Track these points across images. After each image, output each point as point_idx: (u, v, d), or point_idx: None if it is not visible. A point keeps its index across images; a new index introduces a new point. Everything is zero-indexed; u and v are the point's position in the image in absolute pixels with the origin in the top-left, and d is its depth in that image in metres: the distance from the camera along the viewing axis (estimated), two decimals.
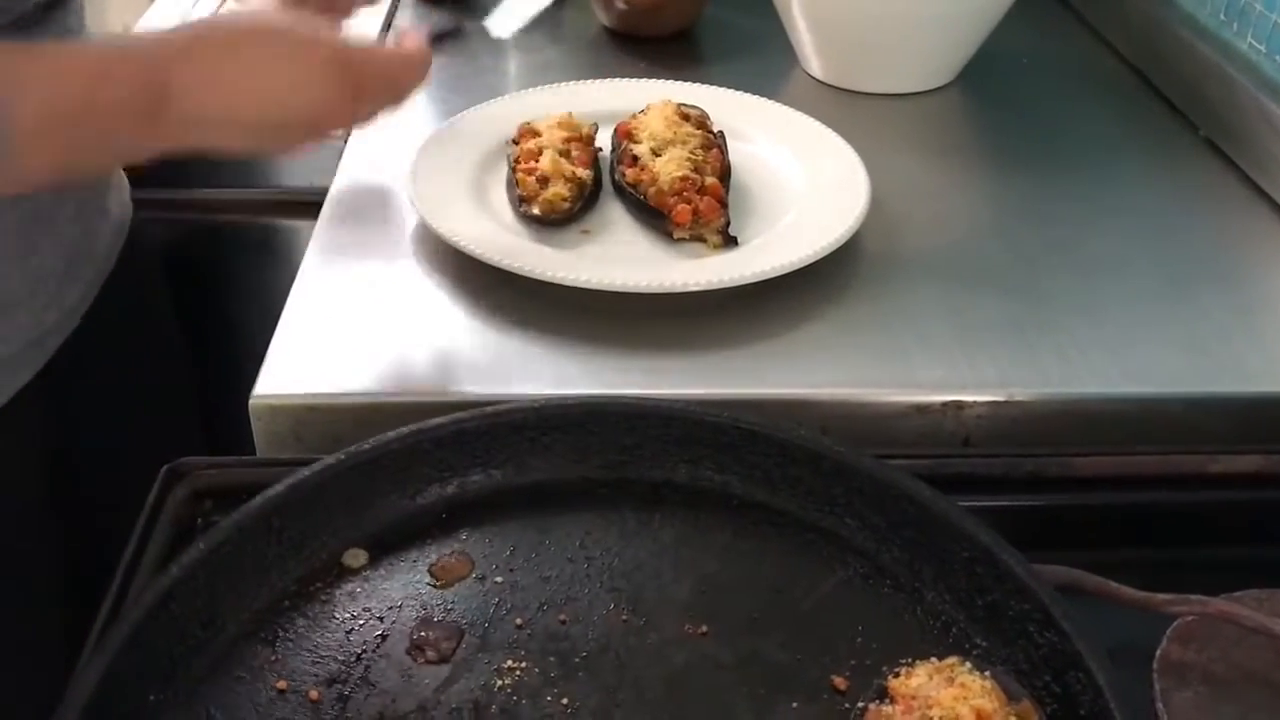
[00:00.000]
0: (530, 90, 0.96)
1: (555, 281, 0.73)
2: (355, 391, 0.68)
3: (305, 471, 0.57)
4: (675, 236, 0.79)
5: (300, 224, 0.95)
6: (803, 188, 0.85)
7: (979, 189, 0.93)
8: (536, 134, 0.85)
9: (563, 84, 0.97)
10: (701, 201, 0.79)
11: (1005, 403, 0.69)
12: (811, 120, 0.92)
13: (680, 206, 0.79)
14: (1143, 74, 1.08)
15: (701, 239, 0.79)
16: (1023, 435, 0.70)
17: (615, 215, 0.83)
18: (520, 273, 0.74)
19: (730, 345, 0.73)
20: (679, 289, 0.73)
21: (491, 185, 0.85)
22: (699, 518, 0.58)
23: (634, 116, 0.88)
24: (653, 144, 0.83)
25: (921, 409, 0.69)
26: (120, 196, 0.85)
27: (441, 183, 0.83)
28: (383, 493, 0.58)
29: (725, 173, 0.83)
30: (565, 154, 0.83)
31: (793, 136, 0.91)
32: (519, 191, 0.81)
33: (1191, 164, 0.95)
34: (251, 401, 0.67)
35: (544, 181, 0.80)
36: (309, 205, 0.89)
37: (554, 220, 0.79)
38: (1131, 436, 0.69)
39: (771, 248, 0.78)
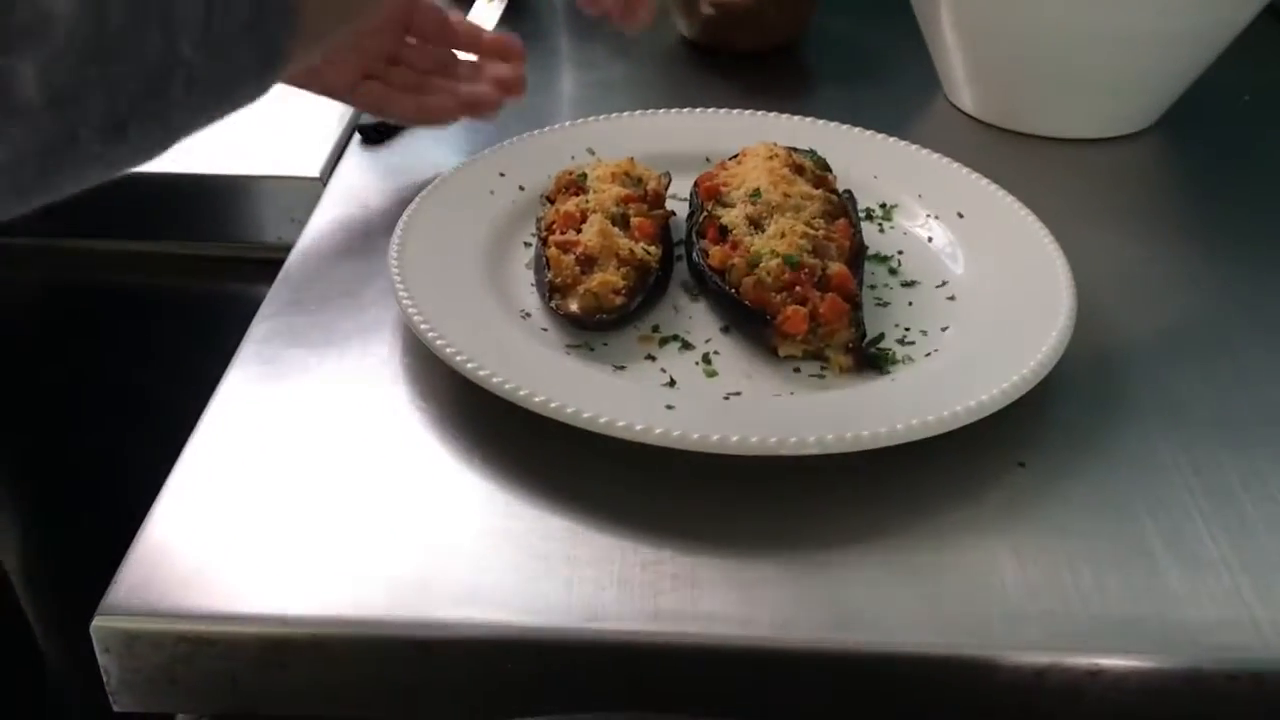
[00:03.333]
0: (579, 122, 0.72)
1: (594, 431, 0.48)
2: (269, 615, 0.42)
3: None
4: (781, 353, 0.54)
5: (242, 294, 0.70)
6: (969, 281, 0.60)
7: (1203, 273, 0.65)
8: (582, 189, 0.61)
9: (625, 114, 0.73)
10: (822, 301, 0.53)
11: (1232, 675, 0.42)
12: (981, 179, 0.66)
13: (791, 308, 0.53)
14: None
15: (821, 356, 0.54)
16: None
17: (694, 312, 0.58)
18: (542, 412, 0.49)
19: (866, 537, 0.46)
20: (791, 451, 0.47)
21: (513, 262, 0.60)
22: None
23: (724, 165, 0.64)
24: (750, 209, 0.58)
25: (1195, 678, 0.42)
26: None
27: (440, 259, 0.59)
28: None
29: (856, 256, 0.58)
30: (621, 220, 0.59)
31: (952, 201, 0.65)
32: (549, 276, 0.56)
33: None
34: (95, 622, 0.42)
35: (587, 263, 0.56)
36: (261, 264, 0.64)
37: (601, 322, 0.55)
38: None
39: (929, 378, 0.53)
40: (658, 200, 0.62)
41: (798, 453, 0.47)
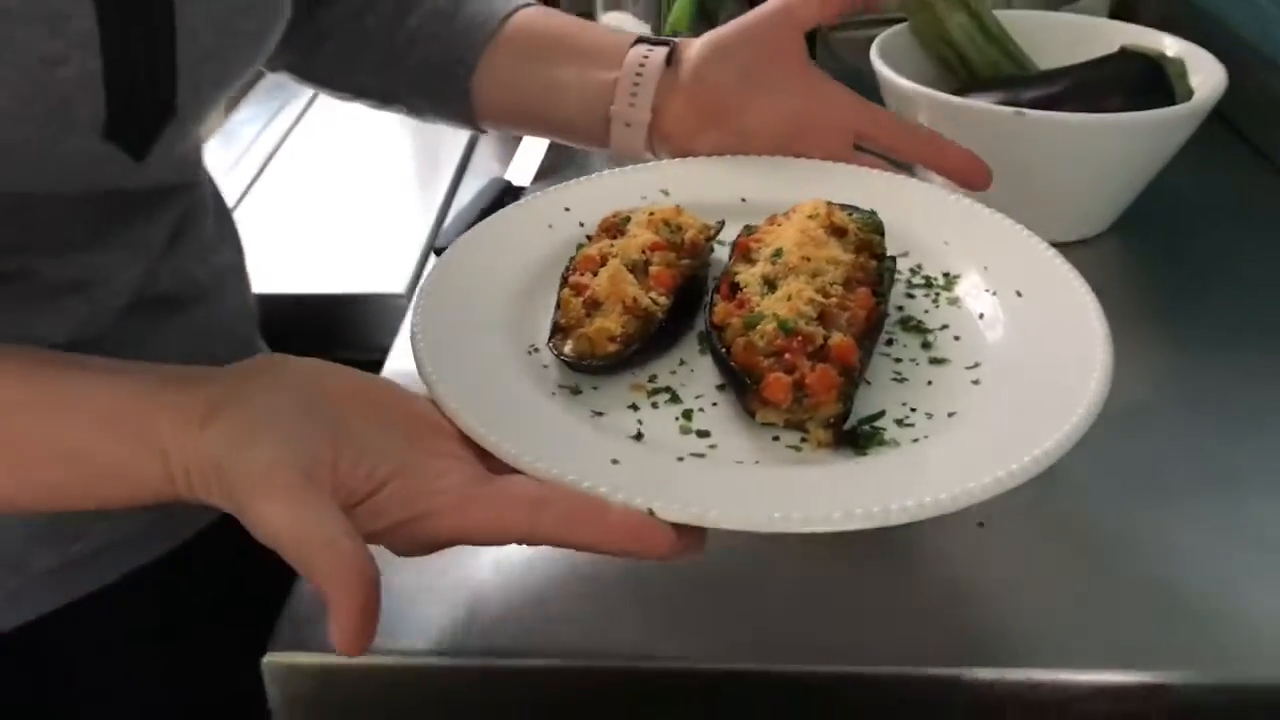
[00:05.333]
0: (657, 164, 0.70)
1: (518, 469, 0.48)
2: (374, 652, 0.55)
3: None
4: (759, 419, 0.52)
5: None
6: (1000, 367, 0.55)
7: (1152, 367, 0.77)
8: (621, 233, 0.61)
9: (706, 158, 0.70)
10: (812, 371, 0.51)
11: (1215, 687, 0.54)
12: (1053, 255, 0.61)
13: (773, 376, 0.51)
14: None
15: (803, 427, 0.52)
16: None
17: (698, 367, 0.56)
18: (482, 443, 0.49)
19: (843, 589, 0.58)
20: (724, 525, 0.46)
21: (548, 295, 0.60)
22: None
23: (773, 220, 0.62)
24: (768, 268, 0.57)
25: (1107, 693, 0.54)
26: None
27: (472, 283, 0.60)
28: None
29: (873, 328, 0.55)
30: (642, 267, 0.58)
31: (1016, 277, 0.60)
32: (558, 316, 0.57)
33: None
34: (266, 660, 0.55)
35: (594, 306, 0.56)
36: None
37: (591, 367, 0.55)
38: None
39: (900, 466, 0.50)
40: (693, 250, 0.61)
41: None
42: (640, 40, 0.71)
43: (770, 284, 0.56)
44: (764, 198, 0.65)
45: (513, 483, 0.47)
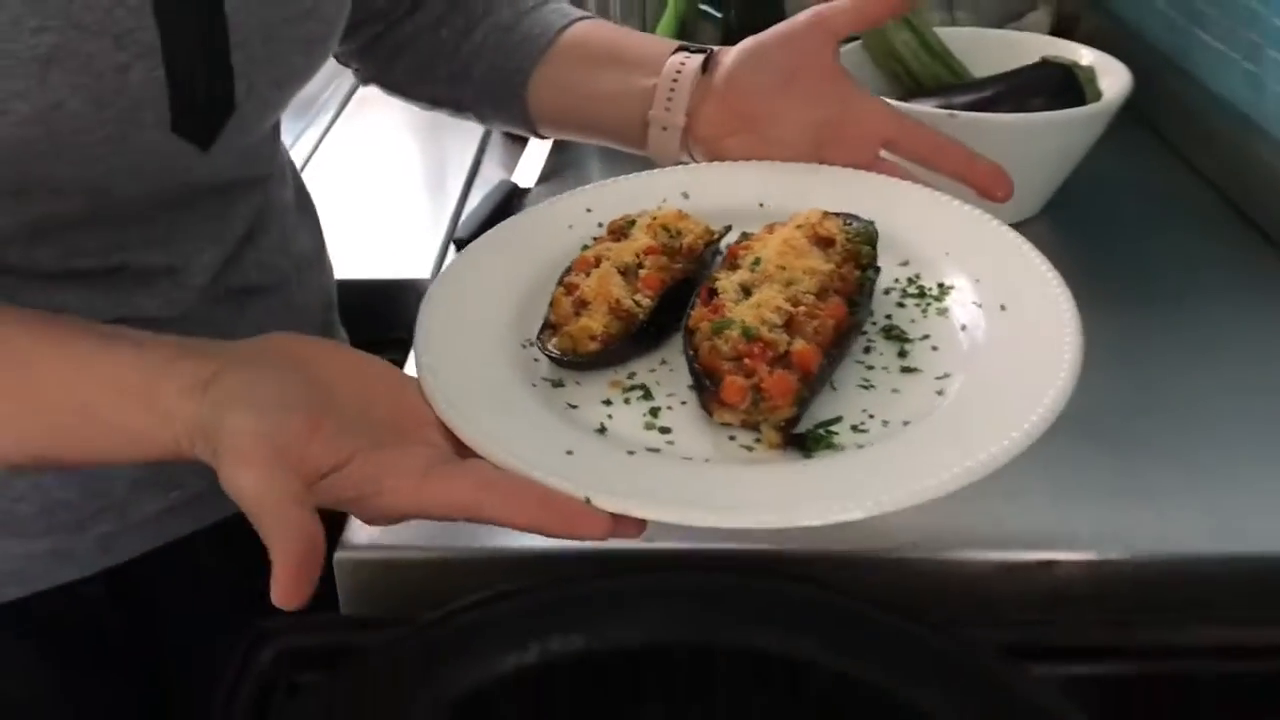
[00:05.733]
0: (684, 167, 0.73)
1: (476, 451, 0.53)
2: (432, 547, 0.69)
3: (385, 640, 0.57)
4: (716, 418, 0.54)
5: None
6: (969, 382, 0.56)
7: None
8: (625, 236, 0.65)
9: (731, 163, 0.72)
10: (770, 375, 0.53)
11: (1098, 562, 0.67)
12: (1046, 269, 0.61)
13: (730, 379, 0.54)
14: (1235, 204, 1.05)
15: (758, 428, 0.54)
16: (1118, 596, 0.67)
17: (678, 367, 0.59)
18: (448, 424, 0.54)
19: None
20: (649, 517, 0.50)
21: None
22: (774, 686, 0.57)
23: (771, 228, 0.63)
24: (746, 275, 0.59)
25: (1009, 569, 0.67)
26: None
27: (484, 275, 0.65)
28: (459, 661, 0.57)
29: (841, 336, 0.57)
30: (635, 269, 0.62)
31: (1004, 290, 0.60)
32: (549, 313, 0.61)
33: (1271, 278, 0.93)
34: (336, 556, 0.68)
35: (581, 305, 0.60)
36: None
37: (573, 363, 0.59)
38: (1235, 600, 0.66)
39: (839, 470, 0.52)
40: (690, 255, 0.63)
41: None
42: (681, 48, 0.74)
43: (746, 291, 0.58)
44: (781, 204, 0.67)
45: (469, 466, 0.52)
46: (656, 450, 0.54)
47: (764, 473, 0.52)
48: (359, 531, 0.69)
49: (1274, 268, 0.96)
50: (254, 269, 0.76)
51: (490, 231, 0.69)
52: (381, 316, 1.00)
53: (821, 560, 0.66)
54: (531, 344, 0.60)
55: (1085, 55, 1.02)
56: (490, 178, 1.17)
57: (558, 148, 1.18)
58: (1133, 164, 1.15)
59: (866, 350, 0.60)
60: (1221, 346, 0.87)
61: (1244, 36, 1.07)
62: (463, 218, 1.08)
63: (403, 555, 0.69)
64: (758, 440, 0.54)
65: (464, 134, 1.27)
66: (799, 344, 0.55)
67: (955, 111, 0.94)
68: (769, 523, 0.49)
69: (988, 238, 0.64)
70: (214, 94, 0.63)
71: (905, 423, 0.54)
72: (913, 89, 1.07)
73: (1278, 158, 1.00)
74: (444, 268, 0.66)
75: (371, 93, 1.38)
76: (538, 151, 1.17)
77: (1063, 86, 0.99)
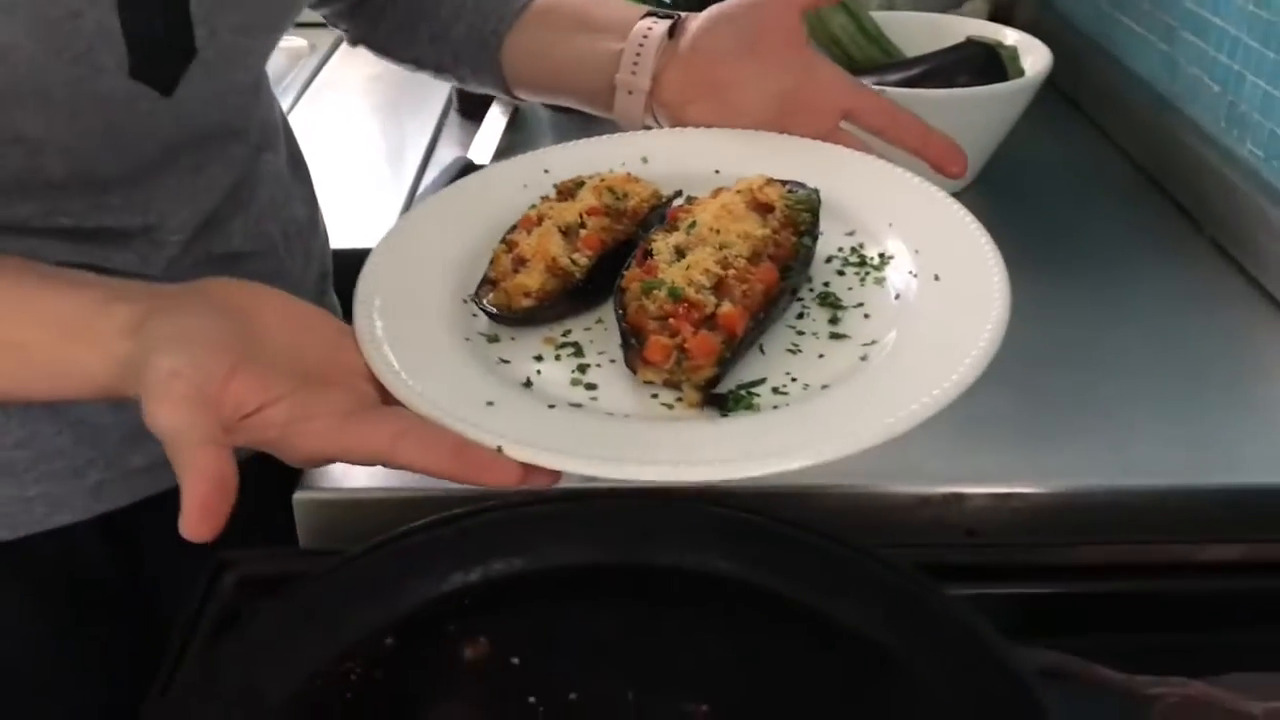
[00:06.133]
0: (651, 132, 0.74)
1: (406, 404, 0.53)
2: (389, 487, 0.73)
3: (338, 561, 0.61)
4: (640, 376, 0.55)
5: None
6: (892, 348, 0.57)
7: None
8: (574, 195, 0.65)
9: (696, 129, 0.72)
10: (694, 336, 0.54)
11: (1006, 494, 0.73)
12: (985, 243, 0.61)
13: (654, 338, 0.55)
14: (1152, 177, 1.12)
15: (680, 388, 0.55)
16: (1024, 526, 0.73)
17: (613, 327, 0.58)
18: (375, 371, 0.55)
19: None
20: (557, 467, 0.51)
21: None
22: (706, 604, 0.62)
23: (717, 193, 0.64)
24: (683, 238, 0.60)
25: (925, 500, 0.73)
26: None
27: (433, 229, 0.66)
28: (410, 580, 0.62)
29: (770, 300, 0.58)
30: (576, 229, 0.62)
31: (941, 261, 0.61)
32: (489, 269, 0.61)
33: (1197, 264, 0.99)
34: (295, 496, 0.72)
35: (520, 263, 0.61)
36: None
37: (506, 319, 0.59)
38: (1130, 528, 0.72)
39: (751, 429, 0.53)
40: (635, 217, 0.64)
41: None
42: (649, 13, 0.75)
43: (681, 253, 0.58)
44: (736, 170, 0.66)
45: (389, 413, 0.52)
46: (579, 405, 0.55)
47: (678, 430, 0.53)
48: (317, 473, 0.74)
49: (1187, 236, 1.02)
50: (240, 235, 0.76)
51: (446, 189, 0.71)
52: (335, 285, 1.04)
53: (745, 493, 0.71)
54: (471, 299, 0.61)
55: (1009, 36, 1.08)
56: (446, 157, 1.20)
57: (512, 126, 1.22)
58: (1058, 140, 1.21)
59: (800, 316, 0.60)
60: (1132, 307, 0.92)
61: (1160, 19, 1.13)
62: (419, 193, 1.12)
63: (359, 495, 0.73)
64: (679, 399, 0.55)
65: (421, 115, 1.30)
66: (725, 306, 0.55)
67: (885, 88, 1.00)
68: (668, 476, 0.49)
69: (932, 210, 0.64)
70: (172, 39, 0.62)
71: (825, 386, 0.55)
72: (850, 70, 1.12)
73: (1191, 134, 1.06)
74: (396, 222, 0.68)
75: (333, 76, 1.41)
76: (492, 129, 1.21)
77: (987, 65, 1.04)
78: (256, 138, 0.77)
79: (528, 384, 0.56)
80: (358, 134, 1.33)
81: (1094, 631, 0.65)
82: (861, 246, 0.64)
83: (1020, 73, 1.04)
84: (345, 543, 0.72)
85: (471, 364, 0.57)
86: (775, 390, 0.55)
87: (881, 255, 0.63)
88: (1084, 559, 0.66)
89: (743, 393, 0.55)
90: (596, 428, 0.53)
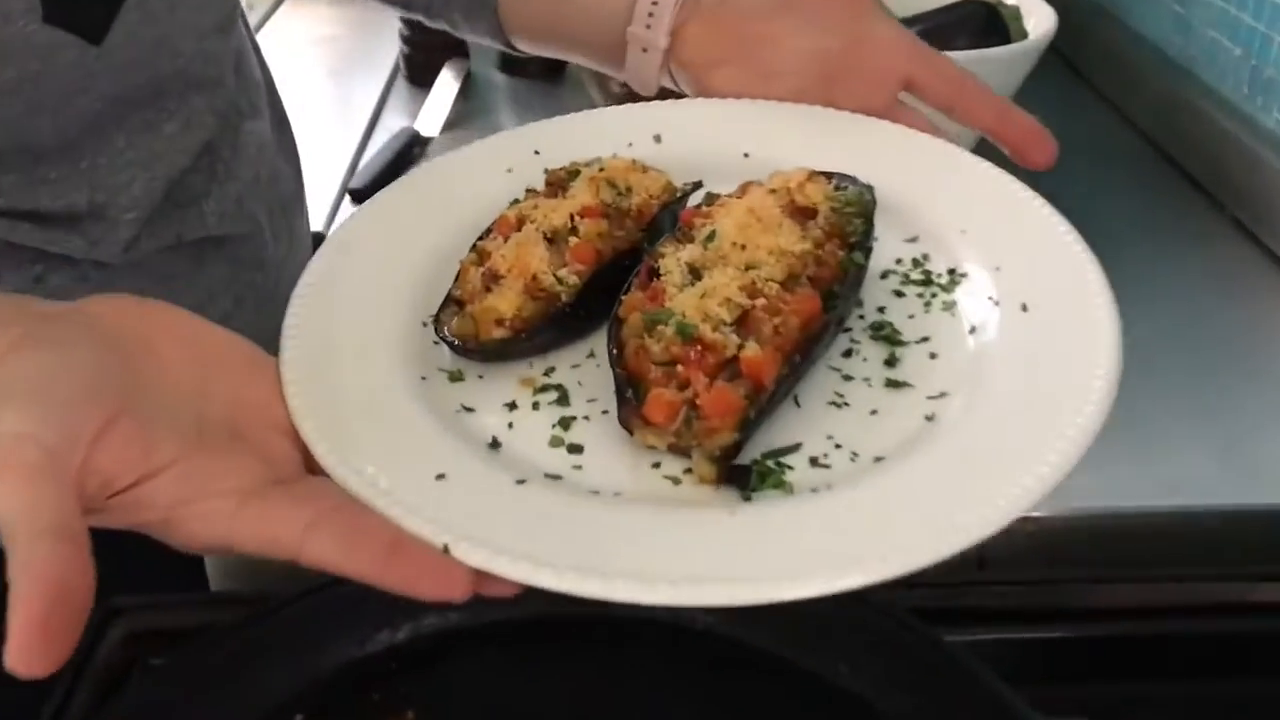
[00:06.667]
0: (659, 103, 0.61)
1: (331, 476, 0.41)
2: None
3: (247, 615, 0.52)
4: (637, 438, 0.43)
5: None
6: (969, 403, 0.44)
7: None
8: (565, 189, 0.53)
9: (723, 100, 0.59)
10: (708, 389, 0.42)
11: (1023, 519, 0.64)
12: (1086, 259, 0.49)
13: (656, 391, 0.42)
14: (1164, 151, 1.03)
15: (689, 454, 0.43)
16: (1044, 553, 0.64)
17: (605, 362, 0.46)
18: (301, 434, 0.43)
19: None
20: (524, 581, 0.38)
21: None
22: (675, 663, 0.53)
23: (744, 189, 0.52)
24: (698, 254, 0.47)
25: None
26: None
27: (398, 221, 0.54)
28: (331, 639, 0.52)
29: (810, 338, 0.45)
30: (564, 235, 0.50)
31: (1029, 284, 0.48)
32: (454, 286, 0.49)
33: (1219, 245, 0.91)
34: None
35: (493, 279, 0.48)
36: None
37: (472, 351, 0.47)
38: (1162, 554, 0.63)
39: (780, 520, 0.40)
40: (641, 219, 0.51)
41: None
42: None
43: (695, 273, 0.46)
44: (769, 155, 0.55)
45: (306, 492, 0.41)
46: (557, 478, 0.42)
47: (684, 522, 0.40)
48: None
49: (1206, 216, 0.94)
50: (215, 215, 0.66)
51: (408, 175, 0.58)
52: None
53: None
54: (432, 323, 0.49)
55: None
56: (392, 125, 1.11)
57: (464, 94, 1.12)
58: (1062, 110, 1.10)
59: (848, 353, 0.47)
60: (1149, 297, 0.82)
61: None
62: (360, 166, 1.02)
63: None
64: (687, 470, 0.43)
65: (367, 81, 1.20)
66: (751, 349, 0.43)
67: None
68: (667, 599, 0.37)
69: (1018, 216, 0.51)
70: None
71: (878, 458, 0.42)
72: None
73: (1209, 102, 0.97)
74: (343, 220, 0.55)
75: (274, 36, 1.30)
76: (442, 98, 1.11)
77: (986, 26, 0.95)
78: (231, 94, 0.67)
79: (494, 445, 0.44)
80: (296, 99, 1.21)
81: (1127, 679, 0.56)
82: (926, 259, 0.52)
83: (1023, 34, 0.96)
84: (264, 583, 0.63)
85: (424, 417, 0.44)
86: (814, 461, 0.43)
87: (952, 273, 0.50)
88: (1113, 600, 0.57)
89: (771, 465, 0.42)
90: (578, 515, 0.41)
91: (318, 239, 0.87)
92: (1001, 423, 0.42)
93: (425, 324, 0.49)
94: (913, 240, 0.53)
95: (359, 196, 0.96)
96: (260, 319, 0.67)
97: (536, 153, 0.57)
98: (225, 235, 0.66)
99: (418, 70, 1.17)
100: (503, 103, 1.15)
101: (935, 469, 0.41)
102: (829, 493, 0.41)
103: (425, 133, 1.07)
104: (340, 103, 1.20)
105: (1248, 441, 0.69)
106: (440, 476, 0.41)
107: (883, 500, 0.40)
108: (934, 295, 0.50)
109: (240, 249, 0.68)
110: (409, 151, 1.04)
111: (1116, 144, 1.07)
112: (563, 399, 0.46)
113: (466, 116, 1.10)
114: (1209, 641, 0.57)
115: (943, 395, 0.44)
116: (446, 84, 1.12)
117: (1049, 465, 0.40)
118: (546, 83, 1.17)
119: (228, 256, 0.67)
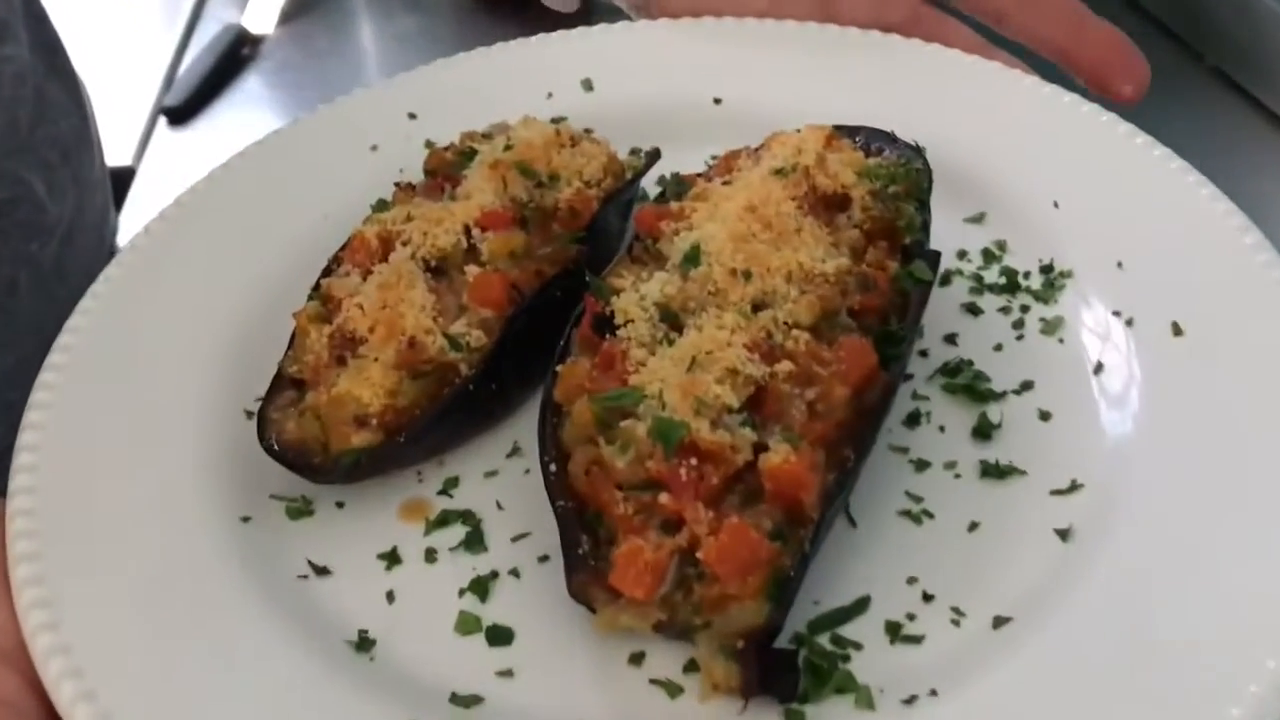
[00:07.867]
0: (576, 33, 0.43)
1: None
2: None
3: None
4: (599, 622, 0.28)
5: None
6: (1122, 500, 0.30)
7: None
8: (454, 181, 0.37)
9: (648, 22, 0.43)
10: (714, 530, 0.28)
11: None
12: (1253, 244, 0.35)
13: (632, 545, 0.28)
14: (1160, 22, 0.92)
15: (686, 638, 0.28)
16: None
17: (536, 465, 0.32)
18: (44, 681, 0.30)
19: None
20: None
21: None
22: None
23: (729, 165, 0.36)
24: (673, 289, 0.32)
25: None
26: None
27: (193, 245, 0.38)
28: None
29: (861, 419, 0.31)
30: (456, 263, 0.34)
31: (1182, 294, 0.34)
32: (287, 366, 0.33)
33: (1199, 98, 0.82)
34: None
35: (348, 345, 0.33)
36: None
37: (319, 471, 0.32)
38: None
39: None
40: (573, 220, 0.36)
41: None
42: None
43: (673, 319, 0.30)
44: (754, 100, 0.39)
45: None
46: (474, 701, 0.25)
47: None
48: None
49: (1183, 67, 0.84)
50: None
51: (223, 165, 0.41)
52: None
53: None
54: (251, 415, 0.33)
55: None
56: (216, 19, 0.92)
57: None
58: None
59: (914, 419, 0.32)
60: None
61: None
62: (177, 75, 0.83)
63: None
64: (689, 669, 0.26)
65: None
66: (780, 452, 0.27)
67: None
68: None
69: (1140, 181, 0.36)
70: None
71: (1002, 620, 0.27)
72: None
73: None
74: (118, 255, 0.38)
75: None
76: None
77: None
78: None
79: (363, 645, 0.28)
80: None
81: None
82: (1003, 250, 0.38)
83: None
84: None
85: (240, 605, 0.28)
86: (895, 632, 0.26)
87: (1047, 270, 0.36)
88: None
89: (828, 648, 0.26)
90: None
91: (124, 178, 0.70)
92: (1185, 554, 0.26)
93: (250, 414, 0.32)
94: (977, 220, 0.39)
95: (176, 116, 0.78)
96: (42, 305, 0.53)
97: (412, 116, 0.40)
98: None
99: None
100: None
101: (1083, 656, 0.25)
102: (933, 703, 0.23)
103: (255, 30, 0.89)
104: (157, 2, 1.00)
105: None
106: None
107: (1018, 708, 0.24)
108: (1025, 309, 0.35)
109: (5, 218, 0.53)
110: (235, 54, 0.87)
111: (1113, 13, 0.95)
112: (474, 538, 0.30)
113: (306, 9, 0.91)
114: None
115: (1074, 488, 0.30)
116: None
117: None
118: None
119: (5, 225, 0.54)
